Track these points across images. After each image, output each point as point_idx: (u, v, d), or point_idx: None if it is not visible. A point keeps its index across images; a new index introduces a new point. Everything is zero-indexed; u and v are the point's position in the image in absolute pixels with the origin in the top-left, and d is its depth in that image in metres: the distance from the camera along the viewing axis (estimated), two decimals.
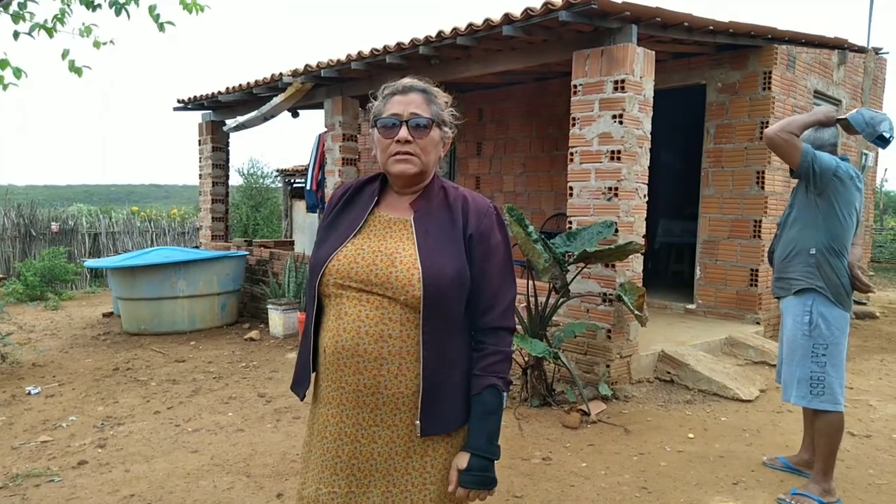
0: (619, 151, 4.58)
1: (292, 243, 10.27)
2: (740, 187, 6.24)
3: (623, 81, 4.49)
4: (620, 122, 4.54)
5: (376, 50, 5.66)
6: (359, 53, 5.86)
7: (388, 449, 1.50)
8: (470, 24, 4.89)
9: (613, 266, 4.70)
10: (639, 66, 4.54)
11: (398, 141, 1.51)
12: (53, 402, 4.79)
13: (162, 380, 5.39)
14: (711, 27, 4.96)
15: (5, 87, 1.99)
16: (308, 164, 7.57)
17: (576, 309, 4.92)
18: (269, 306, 7.13)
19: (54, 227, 12.50)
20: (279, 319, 6.97)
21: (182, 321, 7.21)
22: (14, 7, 1.79)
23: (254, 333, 7.06)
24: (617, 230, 4.59)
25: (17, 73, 1.96)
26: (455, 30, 5.01)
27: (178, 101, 8.65)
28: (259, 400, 4.76)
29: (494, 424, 1.53)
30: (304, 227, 13.50)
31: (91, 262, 8.62)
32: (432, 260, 1.47)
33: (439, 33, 5.14)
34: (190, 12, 2.34)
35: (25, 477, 3.42)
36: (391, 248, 1.51)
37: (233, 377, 5.44)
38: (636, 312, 4.46)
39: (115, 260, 7.83)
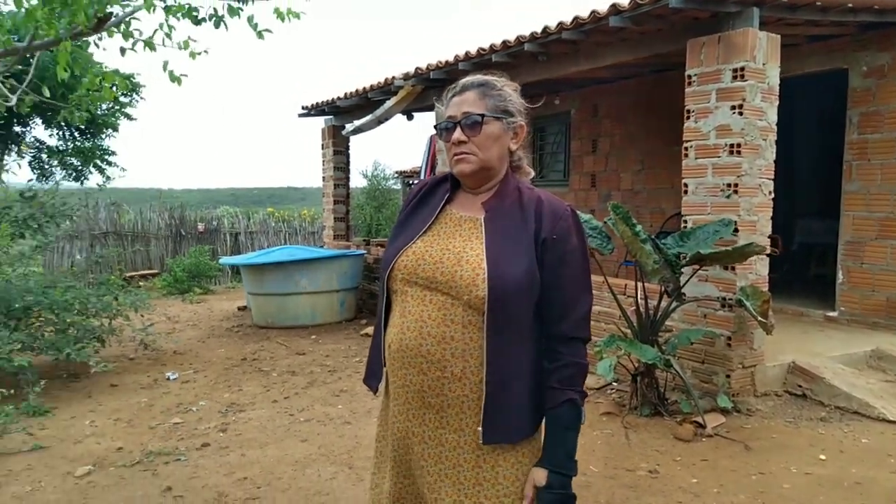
0: (738, 145, 4.24)
1: None
2: (891, 182, 5.55)
3: (743, 69, 4.15)
4: (740, 114, 4.20)
5: (483, 49, 5.66)
6: (466, 54, 5.89)
7: (456, 454, 1.47)
8: (576, 18, 4.75)
9: (733, 269, 4.36)
10: (761, 52, 4.17)
11: (454, 143, 1.51)
12: (188, 388, 5.26)
13: (282, 371, 5.74)
14: (851, 5, 4.45)
15: (114, 96, 2.22)
16: (421, 166, 7.73)
17: (691, 314, 4.62)
18: None
19: (200, 227, 13.74)
20: None
21: (304, 316, 7.65)
22: (113, 24, 1.99)
23: (369, 329, 7.32)
24: (737, 230, 4.25)
25: (123, 84, 2.19)
26: (560, 24, 4.89)
27: (303, 108, 9.19)
28: (367, 395, 4.93)
29: (573, 440, 1.47)
30: None
31: (226, 260, 9.38)
32: (499, 261, 1.44)
33: (545, 29, 5.04)
34: (283, 20, 2.47)
35: (157, 454, 3.77)
36: (458, 246, 1.49)
37: (346, 371, 5.68)
38: (760, 319, 4.10)
39: (245, 258, 8.46)
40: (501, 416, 1.45)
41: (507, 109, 1.54)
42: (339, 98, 8.13)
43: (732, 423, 4.17)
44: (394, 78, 6.90)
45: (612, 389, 4.89)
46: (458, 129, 1.50)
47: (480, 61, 5.77)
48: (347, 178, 9.57)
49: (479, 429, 1.44)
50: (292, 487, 3.32)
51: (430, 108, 7.42)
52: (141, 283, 10.78)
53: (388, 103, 6.95)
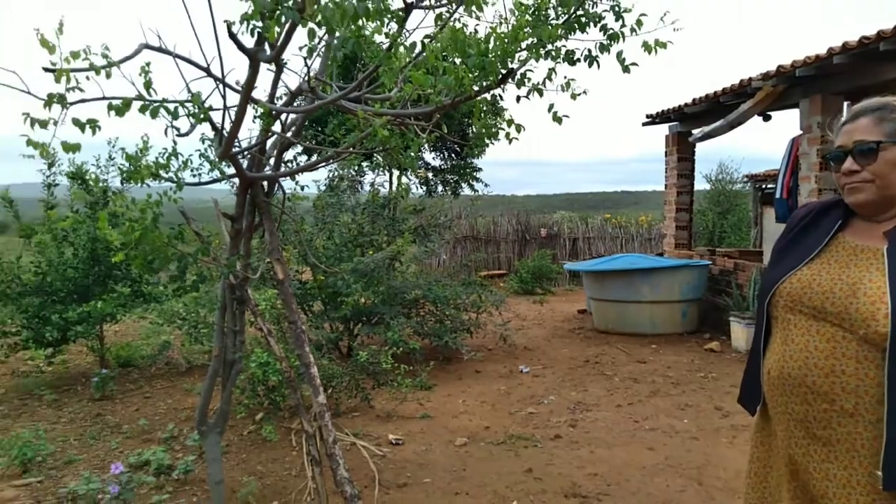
0: None
1: (760, 254, 9.67)
2: None
3: None
4: None
5: (866, 38, 4.93)
6: (843, 45, 5.20)
7: (846, 492, 1.42)
8: None
9: None
10: None
11: (844, 173, 1.47)
12: (538, 382, 5.80)
13: (624, 377, 5.90)
14: None
15: (510, 140, 2.65)
16: (779, 170, 7.06)
17: None
18: (732, 318, 6.96)
19: (543, 232, 14.79)
20: (742, 333, 6.73)
21: (644, 324, 7.68)
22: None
23: (714, 344, 7.01)
24: None
25: (518, 128, 2.60)
26: None
27: (647, 117, 9.19)
28: (715, 412, 4.77)
29: None
30: (775, 237, 12.49)
31: (569, 265, 9.93)
32: None
33: None
34: (650, 53, 2.62)
35: (518, 438, 4.30)
36: (854, 277, 1.43)
37: (690, 385, 5.56)
38: None
39: (588, 264, 8.86)
40: None
41: None
42: (686, 104, 7.93)
43: None
44: (750, 79, 6.46)
45: None
46: (849, 159, 1.46)
47: (863, 51, 5.04)
48: (692, 186, 9.25)
49: (879, 472, 1.37)
50: (641, 492, 3.45)
51: (793, 107, 6.74)
52: (501, 284, 12.14)
53: (744, 106, 6.54)
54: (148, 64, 1.94)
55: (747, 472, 1.73)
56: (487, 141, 2.76)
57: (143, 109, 1.93)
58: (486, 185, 11.81)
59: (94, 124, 1.90)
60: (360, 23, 1.70)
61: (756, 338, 1.65)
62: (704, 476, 3.63)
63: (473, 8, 2.16)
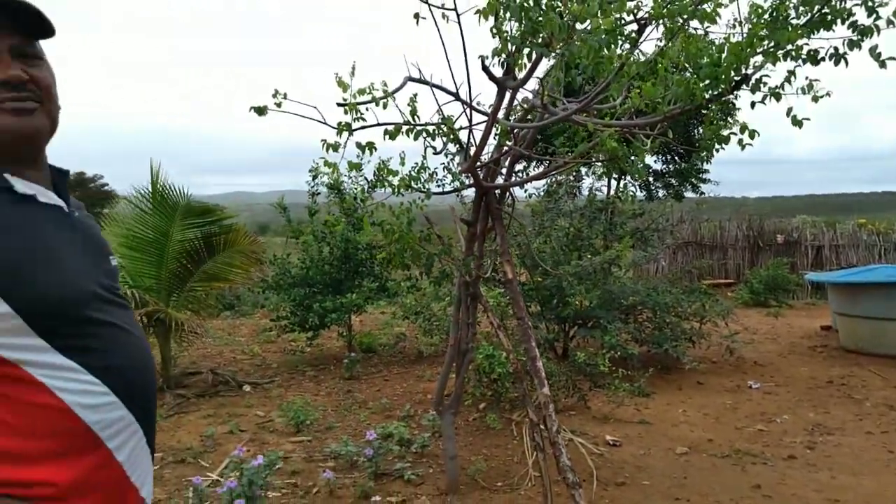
0: None
1: None
2: None
3: None
4: None
5: None
6: None
7: None
8: None
9: None
10: None
11: None
12: (769, 399, 5.40)
13: (878, 402, 5.23)
14: None
15: (743, 147, 2.60)
16: None
17: None
18: None
19: (779, 238, 13.42)
20: None
21: None
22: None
23: None
24: None
25: (752, 134, 2.54)
26: None
27: None
28: None
29: None
30: None
31: (812, 276, 8.96)
32: None
33: None
34: None
35: (745, 454, 4.09)
36: None
37: None
38: None
39: (836, 275, 7.93)
40: None
41: None
42: None
43: None
44: None
45: None
46: None
47: None
48: None
49: None
50: None
51: None
52: (729, 294, 11.36)
53: None
54: (415, 95, 2.33)
55: None
56: (718, 146, 2.71)
57: (408, 132, 2.32)
58: (716, 184, 11.05)
59: (371, 146, 2.34)
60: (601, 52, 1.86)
61: None
62: None
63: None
